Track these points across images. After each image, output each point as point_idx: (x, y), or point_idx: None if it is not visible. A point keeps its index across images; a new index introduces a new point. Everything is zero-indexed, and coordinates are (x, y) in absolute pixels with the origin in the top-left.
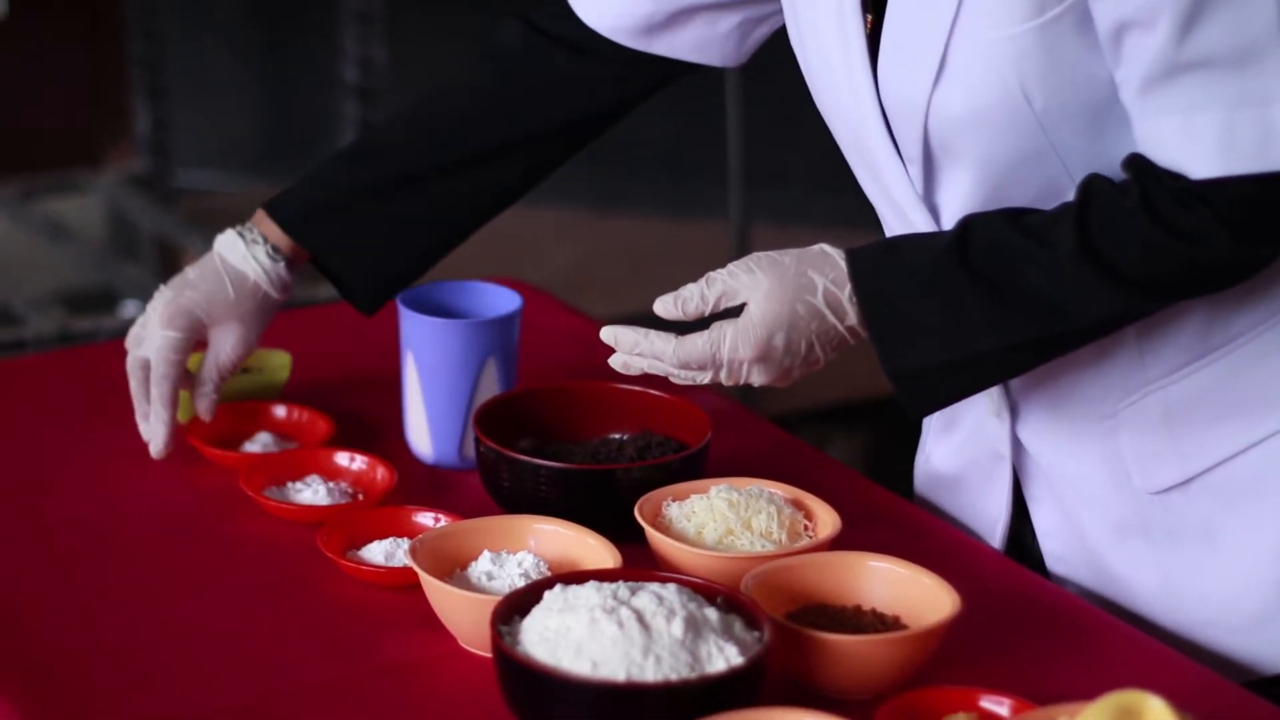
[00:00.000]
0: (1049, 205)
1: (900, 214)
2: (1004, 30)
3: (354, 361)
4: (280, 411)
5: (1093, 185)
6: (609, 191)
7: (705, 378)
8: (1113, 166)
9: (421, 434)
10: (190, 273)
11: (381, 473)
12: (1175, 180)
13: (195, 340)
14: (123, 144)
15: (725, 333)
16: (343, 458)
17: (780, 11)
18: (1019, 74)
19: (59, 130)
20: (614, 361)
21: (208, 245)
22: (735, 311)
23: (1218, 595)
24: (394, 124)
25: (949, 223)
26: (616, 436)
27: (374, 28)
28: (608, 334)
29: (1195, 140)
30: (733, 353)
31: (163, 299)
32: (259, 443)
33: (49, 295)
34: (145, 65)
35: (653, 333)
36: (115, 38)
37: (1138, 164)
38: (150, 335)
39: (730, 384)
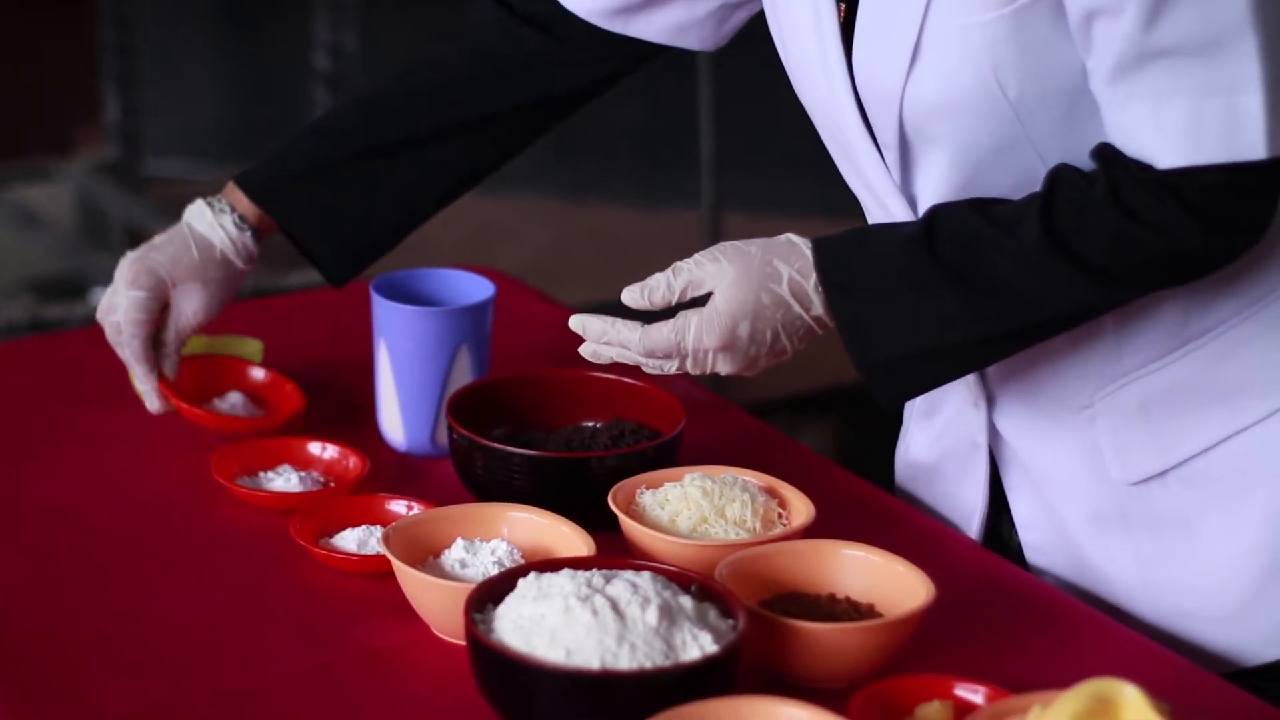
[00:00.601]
0: (1024, 194)
1: (879, 202)
2: (976, 17)
3: (327, 349)
4: (257, 374)
5: (1059, 175)
6: (581, 179)
7: (672, 367)
8: (1088, 156)
9: (394, 421)
10: (157, 239)
11: (353, 461)
12: (1143, 170)
13: (161, 301)
14: (93, 131)
15: (690, 322)
16: (315, 446)
17: None
18: (992, 61)
19: (29, 117)
20: (584, 350)
21: None
22: (702, 301)
23: (1195, 587)
24: (364, 99)
25: (926, 209)
26: (589, 424)
27: (346, 14)
28: (576, 322)
29: (1163, 129)
30: (697, 341)
31: (128, 261)
32: (229, 402)
33: (19, 283)
34: (116, 52)
35: (619, 321)
36: (86, 25)
37: (1106, 153)
38: (119, 299)
39: (696, 373)
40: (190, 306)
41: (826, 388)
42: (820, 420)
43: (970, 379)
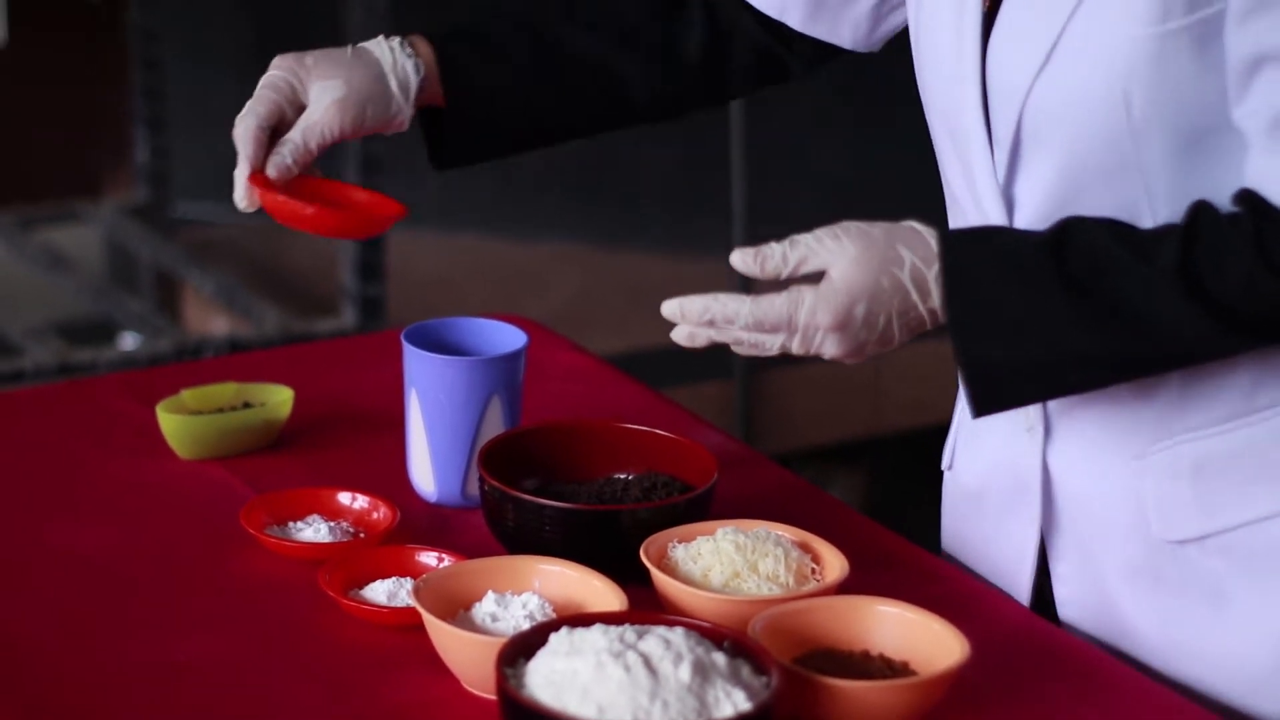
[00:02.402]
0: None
1: (976, 202)
2: (1121, 30)
3: (357, 398)
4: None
5: (1202, 211)
6: (610, 225)
7: (776, 344)
8: (1195, 199)
9: (425, 472)
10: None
11: (383, 511)
12: None
13: (295, 85)
14: (122, 174)
15: (804, 296)
16: (344, 497)
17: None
18: (1126, 77)
19: (58, 160)
20: (677, 335)
21: (206, 277)
22: (814, 280)
23: (1218, 655)
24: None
25: (1022, 218)
26: (622, 476)
27: None
28: (671, 307)
29: None
30: (810, 316)
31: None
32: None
33: (47, 325)
34: (146, 95)
35: (723, 295)
36: (116, 67)
37: (1252, 200)
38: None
39: (800, 352)
40: (324, 101)
41: (856, 438)
42: (850, 472)
43: (1032, 406)
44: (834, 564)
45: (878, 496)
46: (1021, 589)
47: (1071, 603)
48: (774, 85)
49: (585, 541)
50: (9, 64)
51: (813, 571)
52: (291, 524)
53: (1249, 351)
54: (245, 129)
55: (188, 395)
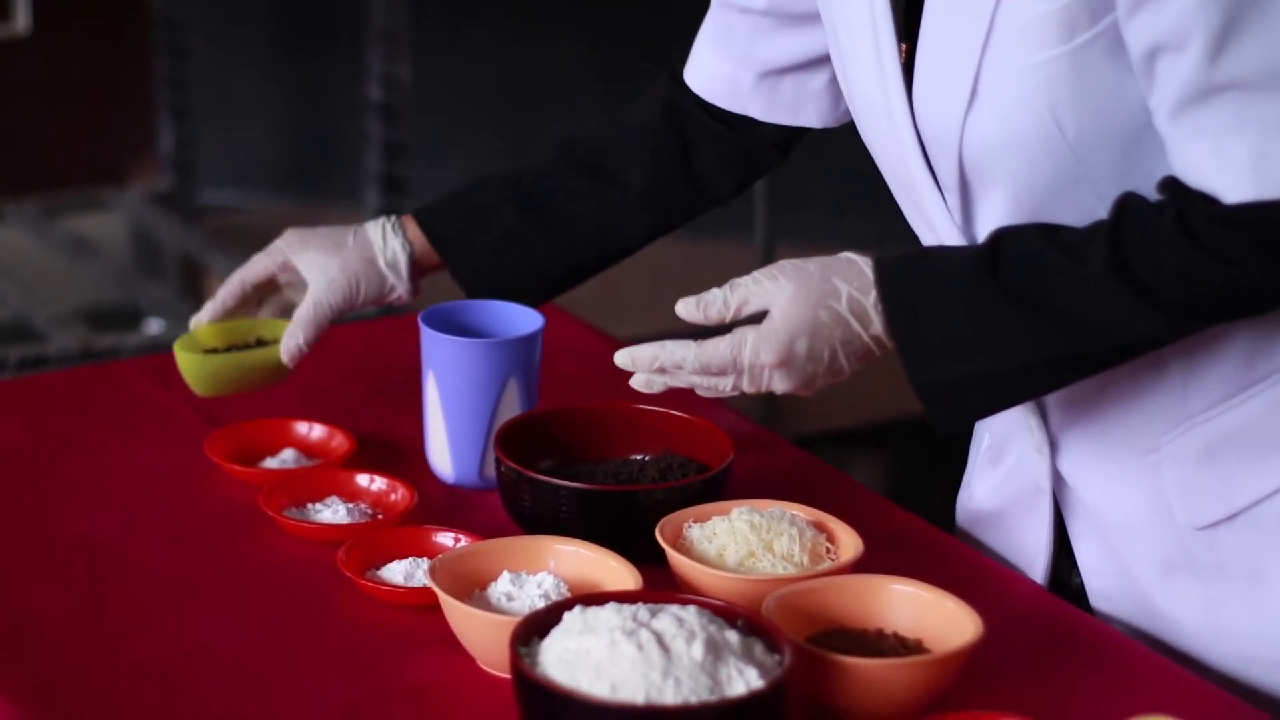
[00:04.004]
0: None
1: (940, 244)
2: (1033, 56)
3: (375, 380)
4: (303, 428)
5: (1127, 203)
6: None
7: (728, 384)
8: (1147, 196)
9: (442, 454)
10: None
11: (401, 493)
12: (1209, 204)
13: (288, 261)
14: (147, 161)
15: (747, 337)
16: (363, 478)
17: None
18: (1050, 100)
19: (83, 147)
20: (635, 383)
21: (231, 263)
22: (759, 319)
23: (1266, 633)
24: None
25: None
26: (638, 457)
27: (399, 46)
28: (623, 357)
29: (1227, 165)
30: (754, 357)
31: None
32: (280, 459)
33: (72, 312)
34: (170, 83)
35: (669, 342)
36: (140, 55)
37: (1173, 186)
38: None
39: (752, 391)
40: (321, 283)
41: (879, 422)
42: (873, 455)
43: (1033, 423)
44: (849, 544)
45: (899, 479)
46: (1037, 573)
47: (1107, 599)
48: (760, 176)
49: (601, 522)
50: (34, 52)
51: (827, 551)
52: (310, 505)
53: (1200, 332)
54: (232, 281)
55: (201, 333)
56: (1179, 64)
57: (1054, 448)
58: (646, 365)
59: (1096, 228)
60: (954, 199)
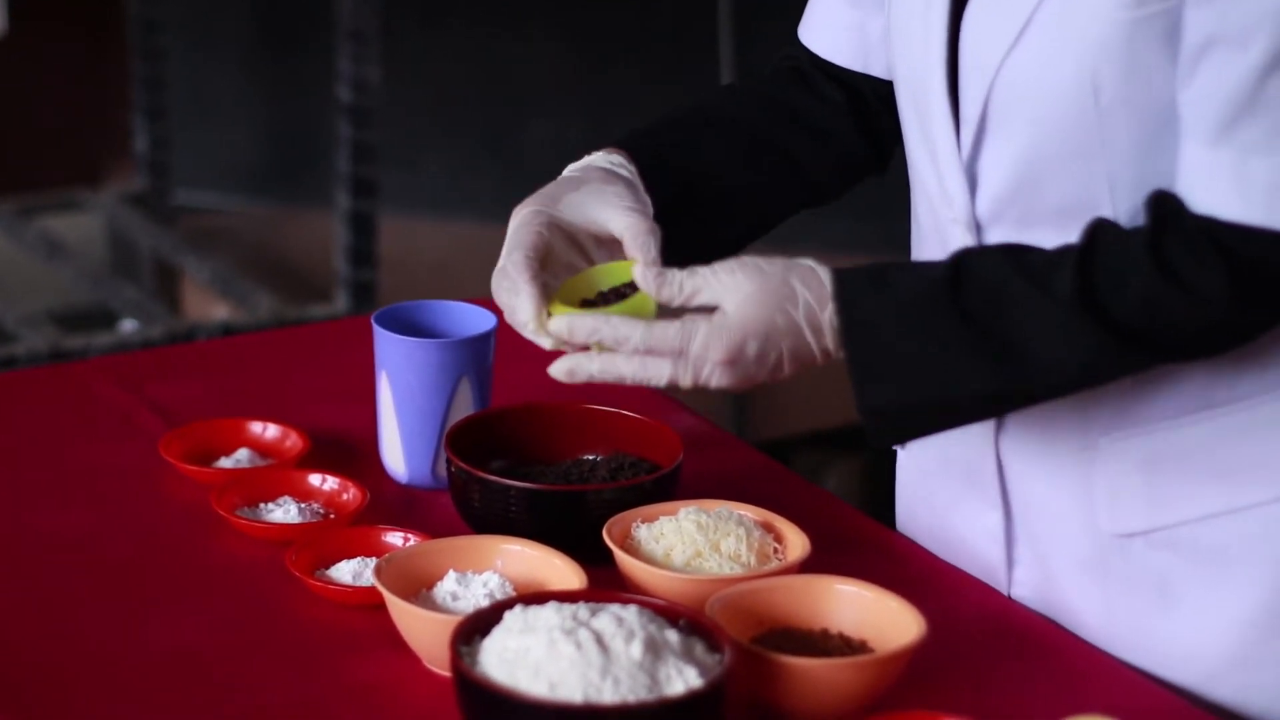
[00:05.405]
0: (1078, 213)
1: (939, 179)
2: (1096, 11)
3: (330, 380)
4: (258, 428)
5: (1100, 229)
6: None
7: (665, 371)
8: (1152, 191)
9: (395, 453)
10: None
11: (353, 493)
12: (1199, 222)
13: (548, 220)
14: (122, 162)
15: (699, 327)
16: (315, 478)
17: None
18: (1095, 60)
19: (59, 148)
20: (555, 371)
21: (205, 265)
22: (709, 311)
23: (1165, 647)
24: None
25: (983, 197)
26: (590, 458)
27: (367, 48)
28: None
29: (1246, 183)
30: (702, 349)
31: None
32: (234, 459)
33: (42, 312)
34: (145, 84)
35: (615, 317)
36: (116, 56)
37: (1161, 206)
38: None
39: (687, 384)
40: (607, 195)
41: (854, 424)
42: (852, 457)
43: None
44: (796, 543)
45: (876, 482)
46: (996, 575)
47: (1024, 584)
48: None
49: (550, 522)
50: (10, 52)
51: (775, 551)
52: (263, 505)
53: (1163, 367)
54: (513, 261)
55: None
56: (1233, 63)
57: (1000, 425)
58: (584, 337)
59: (1065, 252)
60: (968, 132)
